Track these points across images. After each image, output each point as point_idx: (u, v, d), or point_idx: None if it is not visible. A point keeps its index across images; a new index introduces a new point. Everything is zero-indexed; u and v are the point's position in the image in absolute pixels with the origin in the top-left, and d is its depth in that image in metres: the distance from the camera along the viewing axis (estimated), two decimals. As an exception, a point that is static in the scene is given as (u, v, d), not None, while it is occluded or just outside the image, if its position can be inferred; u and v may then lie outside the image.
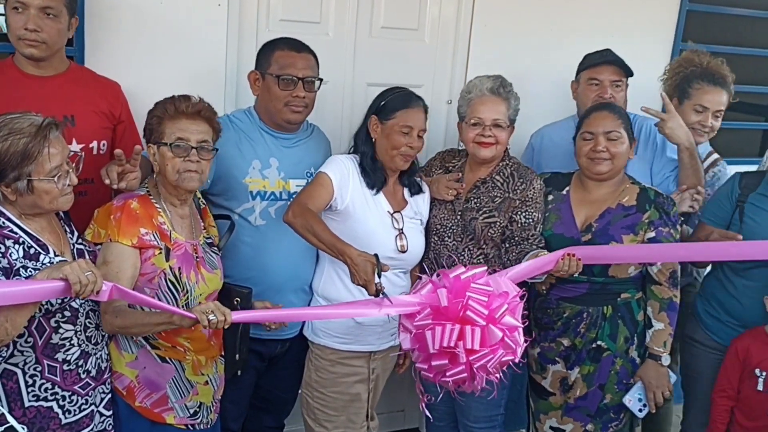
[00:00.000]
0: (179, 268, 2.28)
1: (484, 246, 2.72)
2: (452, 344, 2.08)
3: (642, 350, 2.74)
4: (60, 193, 2.01)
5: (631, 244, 2.64)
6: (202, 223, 2.47)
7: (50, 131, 1.99)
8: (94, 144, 2.57)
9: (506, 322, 2.11)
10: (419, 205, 2.78)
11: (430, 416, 2.53)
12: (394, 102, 2.62)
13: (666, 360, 2.67)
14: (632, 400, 2.71)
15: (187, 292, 2.30)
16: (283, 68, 2.57)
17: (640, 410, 2.72)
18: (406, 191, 2.75)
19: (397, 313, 2.24)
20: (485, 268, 2.23)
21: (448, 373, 2.16)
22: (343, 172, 2.58)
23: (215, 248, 2.47)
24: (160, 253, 2.25)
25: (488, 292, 2.13)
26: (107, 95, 2.64)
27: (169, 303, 2.25)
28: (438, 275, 2.24)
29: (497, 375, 2.20)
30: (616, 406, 2.75)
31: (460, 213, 2.75)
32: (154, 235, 2.24)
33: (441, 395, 2.85)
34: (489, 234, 2.71)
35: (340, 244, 2.36)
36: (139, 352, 2.29)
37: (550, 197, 2.79)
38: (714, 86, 3.06)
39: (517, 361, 2.22)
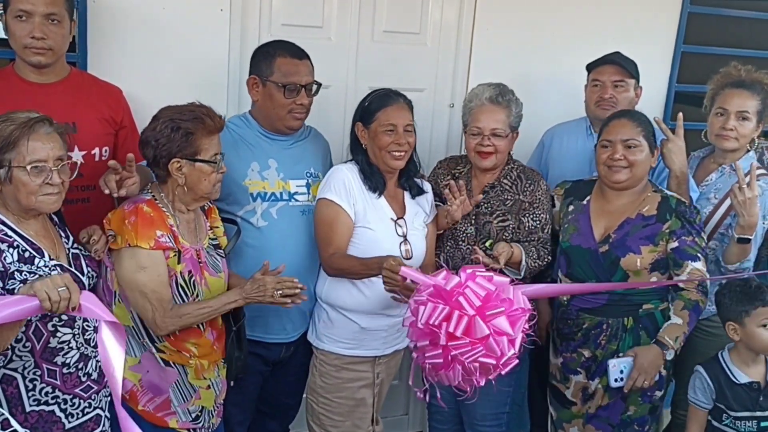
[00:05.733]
0: (189, 272, 2.29)
1: None
2: (436, 323, 2.10)
3: (668, 363, 2.68)
4: (38, 190, 2.00)
5: (650, 254, 2.61)
6: (207, 224, 2.47)
7: (39, 125, 2.00)
8: (96, 150, 2.56)
9: (497, 324, 2.10)
10: (423, 205, 2.78)
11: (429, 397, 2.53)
12: (372, 104, 2.63)
13: (669, 355, 2.60)
14: (616, 366, 2.60)
15: (196, 295, 2.31)
16: (287, 76, 2.58)
17: (616, 380, 2.60)
18: (406, 195, 2.75)
19: (412, 279, 2.27)
20: (509, 279, 2.22)
21: (426, 355, 2.17)
22: (346, 186, 2.59)
23: (220, 250, 2.47)
24: (175, 255, 2.26)
25: (488, 289, 2.13)
26: (109, 101, 2.64)
27: None
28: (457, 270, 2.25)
29: (476, 377, 2.15)
30: (640, 419, 2.71)
31: (473, 217, 2.77)
32: (168, 237, 2.25)
33: (446, 397, 2.84)
34: (503, 237, 2.73)
35: (372, 261, 2.45)
36: (142, 356, 2.30)
37: (571, 207, 2.78)
38: (738, 89, 2.94)
39: (503, 372, 2.17)
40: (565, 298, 2.76)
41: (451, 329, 2.07)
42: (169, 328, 2.24)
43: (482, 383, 2.17)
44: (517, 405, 3.25)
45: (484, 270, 2.20)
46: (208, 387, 2.41)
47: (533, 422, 3.47)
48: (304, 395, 2.90)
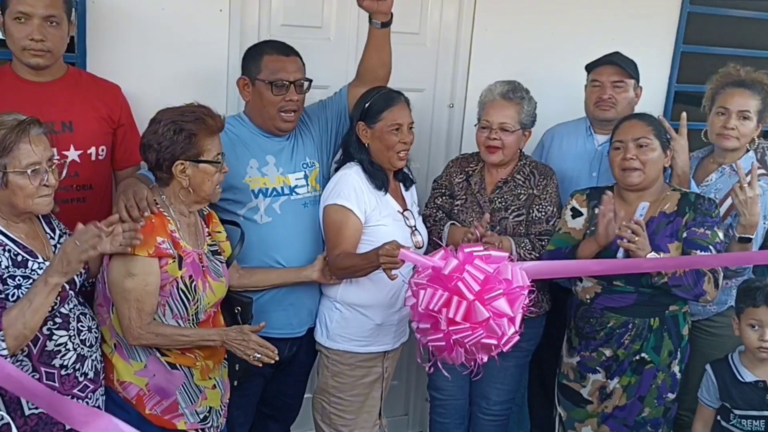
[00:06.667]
0: (190, 276, 2.27)
1: None
2: (436, 308, 2.09)
3: (683, 366, 2.70)
4: (35, 193, 2.00)
5: (677, 252, 2.58)
6: (206, 230, 2.46)
7: (31, 127, 1.99)
8: (93, 150, 2.56)
9: (497, 306, 2.09)
10: (414, 196, 2.83)
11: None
12: (377, 104, 2.63)
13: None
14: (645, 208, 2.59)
15: (197, 300, 2.30)
16: (275, 73, 2.57)
17: (641, 215, 2.55)
18: (401, 187, 2.78)
19: (413, 262, 2.26)
20: (507, 254, 2.22)
21: (429, 338, 2.17)
22: (357, 193, 2.59)
23: (219, 256, 2.46)
24: (174, 261, 2.23)
25: (486, 271, 2.12)
26: (106, 99, 2.63)
27: (179, 311, 2.28)
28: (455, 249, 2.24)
29: (480, 356, 2.16)
30: (654, 420, 2.70)
31: (488, 214, 2.77)
32: (168, 244, 2.22)
33: (452, 390, 2.96)
34: (520, 231, 2.77)
35: (370, 253, 2.44)
36: (148, 360, 2.28)
37: (596, 210, 2.73)
38: (739, 88, 2.93)
39: (506, 350, 2.17)
40: (588, 297, 2.72)
41: (451, 315, 2.07)
42: (142, 341, 2.21)
43: (485, 360, 2.19)
44: (517, 405, 3.26)
45: (481, 249, 2.19)
46: (214, 387, 2.40)
47: (533, 422, 3.48)
48: (308, 395, 2.90)
